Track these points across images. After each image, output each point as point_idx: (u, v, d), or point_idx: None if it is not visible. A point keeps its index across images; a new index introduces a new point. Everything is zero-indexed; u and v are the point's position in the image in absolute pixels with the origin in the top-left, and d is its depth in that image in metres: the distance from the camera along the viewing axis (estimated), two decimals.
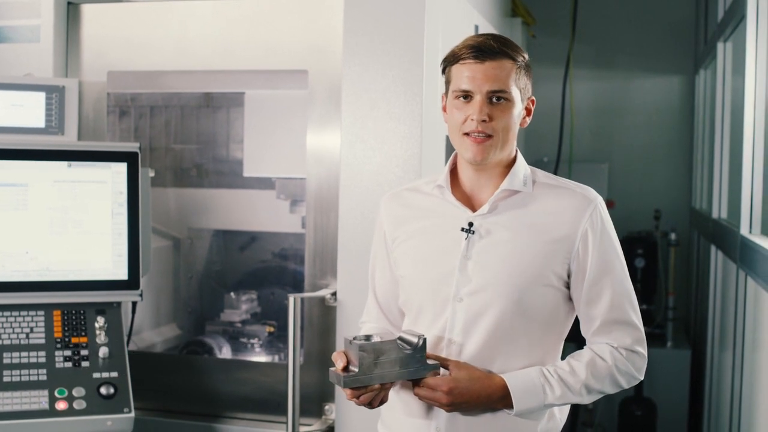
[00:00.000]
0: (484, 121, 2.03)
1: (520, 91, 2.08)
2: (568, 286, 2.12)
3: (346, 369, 2.00)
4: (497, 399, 2.05)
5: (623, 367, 2.10)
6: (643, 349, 2.13)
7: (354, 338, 2.01)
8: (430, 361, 2.05)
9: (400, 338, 2.03)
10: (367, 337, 2.02)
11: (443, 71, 2.15)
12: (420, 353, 2.02)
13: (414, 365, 2.02)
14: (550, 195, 2.13)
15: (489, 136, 2.05)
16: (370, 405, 2.06)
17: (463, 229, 2.11)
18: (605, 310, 2.10)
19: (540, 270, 2.07)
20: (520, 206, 2.12)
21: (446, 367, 2.07)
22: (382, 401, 2.08)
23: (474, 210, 2.14)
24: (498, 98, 2.05)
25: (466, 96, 2.06)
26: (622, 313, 2.11)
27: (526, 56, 2.12)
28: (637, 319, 2.13)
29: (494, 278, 2.08)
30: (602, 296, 2.10)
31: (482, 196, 2.15)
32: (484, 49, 2.05)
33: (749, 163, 3.62)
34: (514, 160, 2.15)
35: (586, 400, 2.11)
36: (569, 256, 2.09)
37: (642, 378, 2.15)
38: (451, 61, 2.10)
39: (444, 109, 2.17)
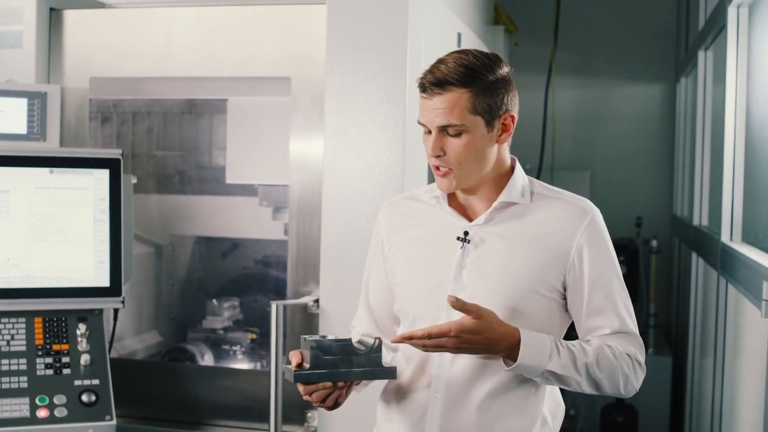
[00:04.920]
0: (438, 156, 2.04)
1: (482, 115, 2.02)
2: (563, 297, 2.12)
3: (300, 366, 2.02)
4: (507, 345, 1.98)
5: (627, 368, 2.05)
6: (643, 362, 2.10)
7: (309, 336, 2.03)
8: (386, 365, 2.07)
9: (358, 340, 2.03)
10: (323, 337, 2.04)
11: None
12: (375, 354, 2.03)
13: (368, 366, 2.03)
14: (546, 206, 2.12)
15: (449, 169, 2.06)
16: (324, 404, 2.05)
17: (458, 238, 2.11)
18: (607, 321, 2.08)
19: (534, 280, 2.07)
20: (516, 217, 2.11)
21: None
22: (338, 402, 2.08)
23: (470, 220, 2.14)
24: (451, 131, 2.03)
25: (427, 129, 2.06)
26: (623, 324, 2.09)
27: (502, 71, 2.05)
28: (636, 331, 2.12)
29: (488, 287, 2.07)
30: (602, 308, 2.08)
31: (478, 207, 2.15)
32: (435, 81, 2.00)
33: (730, 170, 3.64)
34: (511, 171, 2.14)
35: (584, 384, 2.03)
36: (565, 268, 2.08)
37: (636, 390, 2.11)
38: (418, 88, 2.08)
39: None
